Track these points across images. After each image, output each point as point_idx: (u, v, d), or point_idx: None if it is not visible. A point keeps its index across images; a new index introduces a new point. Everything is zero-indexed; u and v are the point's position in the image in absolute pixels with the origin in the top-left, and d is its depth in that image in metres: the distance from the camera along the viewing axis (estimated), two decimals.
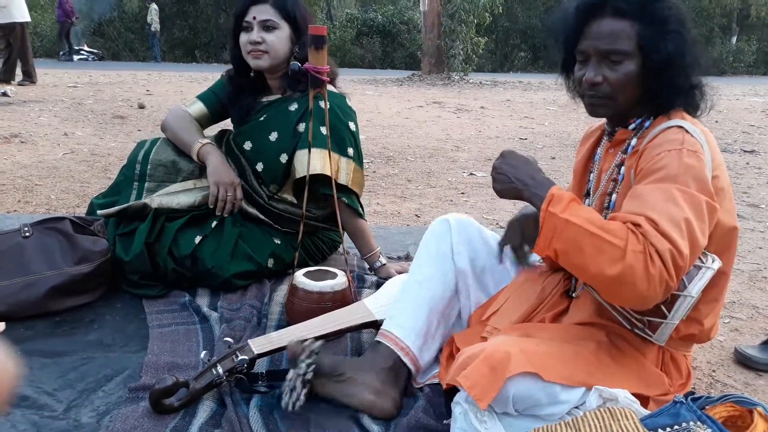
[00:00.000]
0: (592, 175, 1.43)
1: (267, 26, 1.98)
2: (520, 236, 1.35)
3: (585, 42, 1.26)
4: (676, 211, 1.10)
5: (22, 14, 7.61)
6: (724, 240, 1.25)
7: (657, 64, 1.22)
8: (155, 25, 18.65)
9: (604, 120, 1.41)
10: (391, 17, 21.32)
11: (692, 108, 1.29)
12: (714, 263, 1.20)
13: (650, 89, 1.26)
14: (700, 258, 1.18)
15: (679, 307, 1.17)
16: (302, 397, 1.31)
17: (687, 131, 1.20)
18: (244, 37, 2.00)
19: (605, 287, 1.12)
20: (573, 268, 1.17)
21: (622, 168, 1.31)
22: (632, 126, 1.32)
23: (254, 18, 1.97)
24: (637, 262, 1.05)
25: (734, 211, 1.28)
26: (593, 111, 1.31)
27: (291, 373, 1.33)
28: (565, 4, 1.33)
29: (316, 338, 1.51)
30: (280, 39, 1.99)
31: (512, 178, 1.24)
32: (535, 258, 1.39)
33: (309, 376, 1.32)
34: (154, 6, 18.67)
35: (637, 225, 1.09)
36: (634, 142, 1.30)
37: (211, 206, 1.99)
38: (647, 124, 1.30)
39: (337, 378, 1.36)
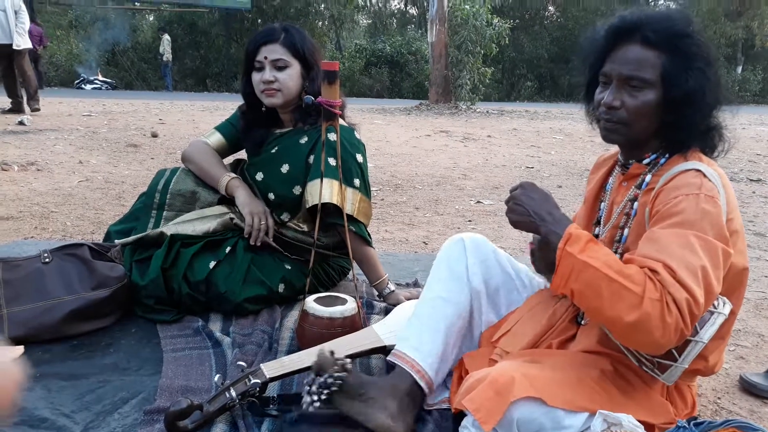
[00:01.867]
0: (603, 204, 1.44)
1: (278, 66, 2.05)
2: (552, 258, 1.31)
3: (609, 65, 1.28)
4: (693, 258, 1.11)
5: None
6: (735, 281, 1.27)
7: (676, 98, 1.24)
8: (167, 55, 18.97)
9: (617, 149, 1.42)
10: (399, 48, 21.64)
11: (709, 149, 1.30)
12: (725, 307, 1.22)
13: (666, 123, 1.27)
14: (712, 303, 1.20)
15: (690, 352, 1.19)
16: (320, 400, 1.34)
17: (705, 175, 1.21)
18: (256, 77, 2.07)
19: (620, 331, 1.14)
20: (588, 310, 1.19)
21: (635, 203, 1.32)
22: (646, 161, 1.33)
23: (265, 58, 2.05)
24: (654, 310, 1.07)
25: (746, 252, 1.29)
26: (606, 136, 1.32)
27: (312, 380, 1.36)
28: (597, 27, 1.36)
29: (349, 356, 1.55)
30: (291, 77, 2.06)
31: (530, 211, 1.26)
32: None
33: (334, 387, 1.34)
34: (166, 36, 18.99)
35: (654, 272, 1.10)
36: (648, 178, 1.31)
37: (247, 236, 2.06)
38: (662, 161, 1.31)
39: (360, 397, 1.36)
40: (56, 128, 7.10)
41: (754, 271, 2.82)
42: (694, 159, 1.27)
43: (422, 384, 1.43)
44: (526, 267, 1.62)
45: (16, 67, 7.73)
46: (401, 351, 1.47)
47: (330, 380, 1.34)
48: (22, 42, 7.61)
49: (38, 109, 8.05)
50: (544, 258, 1.37)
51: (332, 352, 1.40)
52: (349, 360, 1.38)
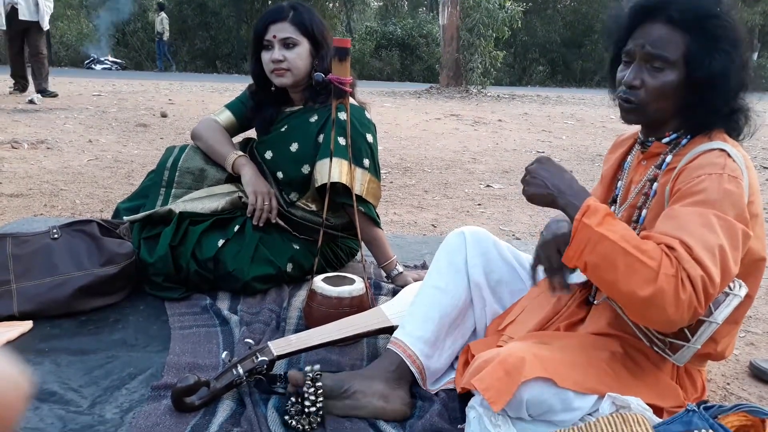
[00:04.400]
0: (620, 182, 1.42)
1: (287, 44, 2.03)
2: (558, 258, 1.26)
3: (632, 43, 1.25)
4: (711, 237, 1.09)
5: None
6: (752, 268, 1.24)
7: (699, 79, 1.20)
8: (166, 34, 18.39)
9: (637, 128, 1.39)
10: (410, 30, 21.46)
11: (734, 131, 1.27)
12: (741, 290, 1.19)
13: (687, 105, 1.24)
14: (728, 285, 1.18)
15: (703, 333, 1.17)
16: (317, 418, 1.32)
17: (729, 155, 1.18)
18: (266, 56, 2.05)
19: (633, 307, 1.12)
20: (601, 283, 1.16)
21: (655, 183, 1.30)
22: (666, 140, 1.30)
23: (274, 36, 2.02)
24: (668, 285, 1.05)
25: (764, 239, 1.26)
26: (625, 116, 1.29)
27: (294, 402, 1.34)
28: (623, 3, 1.33)
29: (327, 344, 1.55)
30: (300, 55, 2.04)
31: (548, 184, 1.23)
32: (573, 279, 1.34)
33: (320, 402, 1.32)
34: (163, 15, 18.42)
35: (671, 248, 1.08)
36: (669, 158, 1.28)
37: (249, 215, 2.05)
38: (684, 141, 1.28)
39: (343, 395, 1.36)
40: (66, 107, 7.12)
41: None
42: (719, 139, 1.23)
43: (413, 368, 1.43)
44: (529, 256, 1.61)
45: (31, 45, 7.55)
46: (395, 336, 1.49)
47: (313, 395, 1.32)
48: (47, 22, 7.51)
49: (50, 94, 7.85)
50: (551, 253, 1.33)
51: (300, 369, 1.38)
52: (317, 366, 1.37)
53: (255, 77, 2.17)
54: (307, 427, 1.31)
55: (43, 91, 7.72)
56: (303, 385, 1.33)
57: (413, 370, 1.43)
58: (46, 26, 7.55)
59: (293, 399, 1.35)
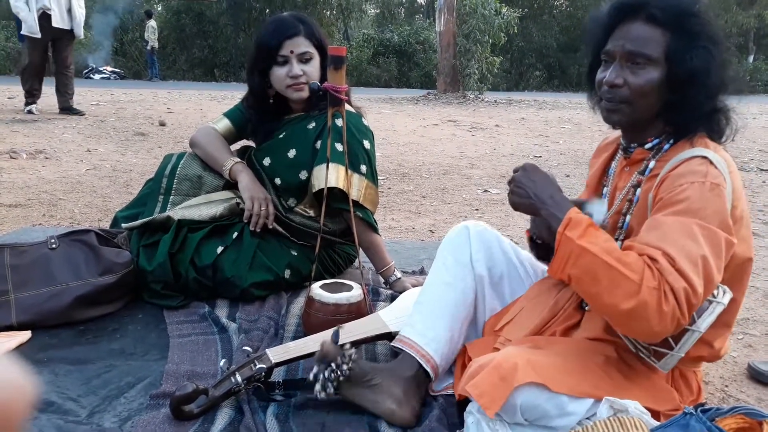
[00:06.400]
0: (605, 189, 1.42)
1: (305, 58, 2.04)
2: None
3: (612, 43, 1.25)
4: (694, 247, 1.10)
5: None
6: (738, 271, 1.25)
7: (680, 77, 1.21)
8: (152, 43, 18.02)
9: (619, 133, 1.40)
10: (407, 37, 21.54)
11: (715, 134, 1.26)
12: (725, 297, 1.20)
13: (669, 104, 1.24)
14: (711, 293, 1.18)
15: (686, 341, 1.17)
16: (331, 390, 1.34)
17: (711, 162, 1.18)
18: (281, 71, 2.04)
19: (616, 319, 1.13)
20: (585, 296, 1.17)
21: (638, 189, 1.30)
22: (649, 145, 1.30)
23: (291, 52, 2.03)
24: (651, 298, 1.06)
25: (750, 240, 1.26)
26: (608, 116, 1.29)
27: (320, 369, 1.35)
28: (602, 5, 1.33)
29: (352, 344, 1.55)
30: (316, 68, 2.06)
31: (531, 193, 1.25)
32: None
33: (342, 377, 1.34)
34: (152, 23, 18.10)
35: (653, 259, 1.09)
36: (652, 164, 1.29)
37: (246, 221, 2.05)
38: (666, 146, 1.28)
39: (365, 383, 1.36)
40: (65, 117, 7.11)
41: (763, 260, 2.79)
42: (701, 145, 1.23)
43: (428, 369, 1.42)
44: (530, 255, 1.61)
45: (59, 57, 6.95)
46: (406, 336, 1.47)
47: (337, 371, 1.34)
48: (82, 30, 6.98)
49: (77, 112, 7.31)
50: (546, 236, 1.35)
51: (336, 341, 1.39)
52: (353, 349, 1.38)
53: (256, 91, 2.15)
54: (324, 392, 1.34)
55: (69, 109, 7.22)
56: (335, 359, 1.34)
57: (428, 369, 1.42)
58: (80, 35, 7.00)
59: (322, 366, 1.36)
